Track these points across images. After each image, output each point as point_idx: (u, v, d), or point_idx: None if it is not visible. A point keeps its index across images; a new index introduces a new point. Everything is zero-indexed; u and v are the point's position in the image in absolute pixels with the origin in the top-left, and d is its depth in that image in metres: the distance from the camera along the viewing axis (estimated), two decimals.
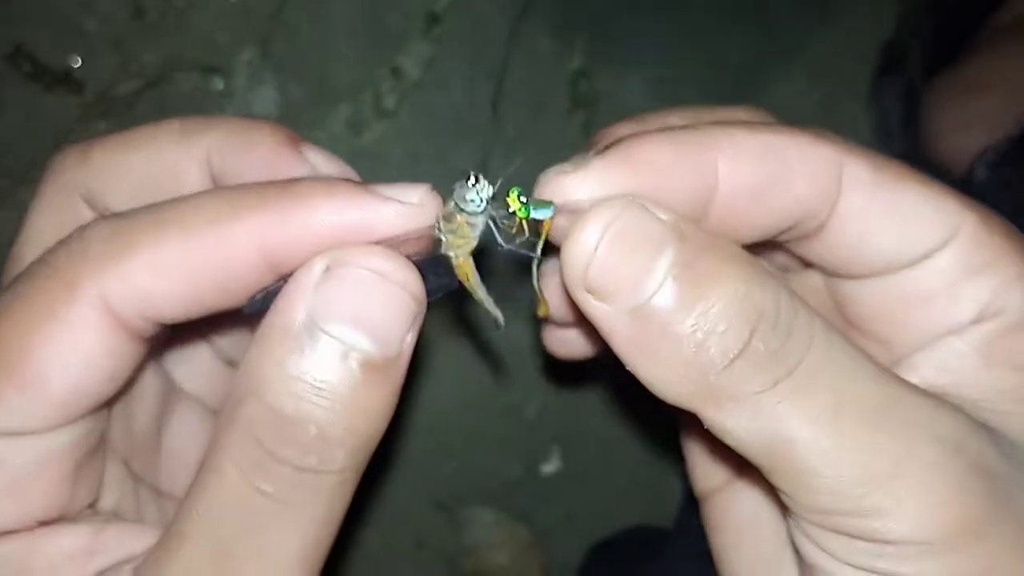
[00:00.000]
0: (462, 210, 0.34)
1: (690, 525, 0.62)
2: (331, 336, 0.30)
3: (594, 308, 0.31)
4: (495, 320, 0.38)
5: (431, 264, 0.35)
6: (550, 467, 0.83)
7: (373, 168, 0.78)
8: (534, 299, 0.39)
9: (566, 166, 0.33)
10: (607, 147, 0.34)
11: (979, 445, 0.31)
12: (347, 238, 0.32)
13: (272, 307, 0.31)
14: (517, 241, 0.35)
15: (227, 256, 0.32)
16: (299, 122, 0.77)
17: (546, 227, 0.34)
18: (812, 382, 0.30)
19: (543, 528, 0.84)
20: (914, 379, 0.34)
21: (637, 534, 0.79)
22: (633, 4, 0.83)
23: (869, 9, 0.85)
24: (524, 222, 0.34)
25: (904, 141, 0.78)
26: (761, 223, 0.35)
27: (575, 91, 0.81)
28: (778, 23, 0.85)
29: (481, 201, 0.33)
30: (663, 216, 0.31)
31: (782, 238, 0.37)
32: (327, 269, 0.31)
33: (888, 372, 0.32)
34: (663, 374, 0.31)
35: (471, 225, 0.34)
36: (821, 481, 0.30)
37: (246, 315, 0.33)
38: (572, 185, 0.33)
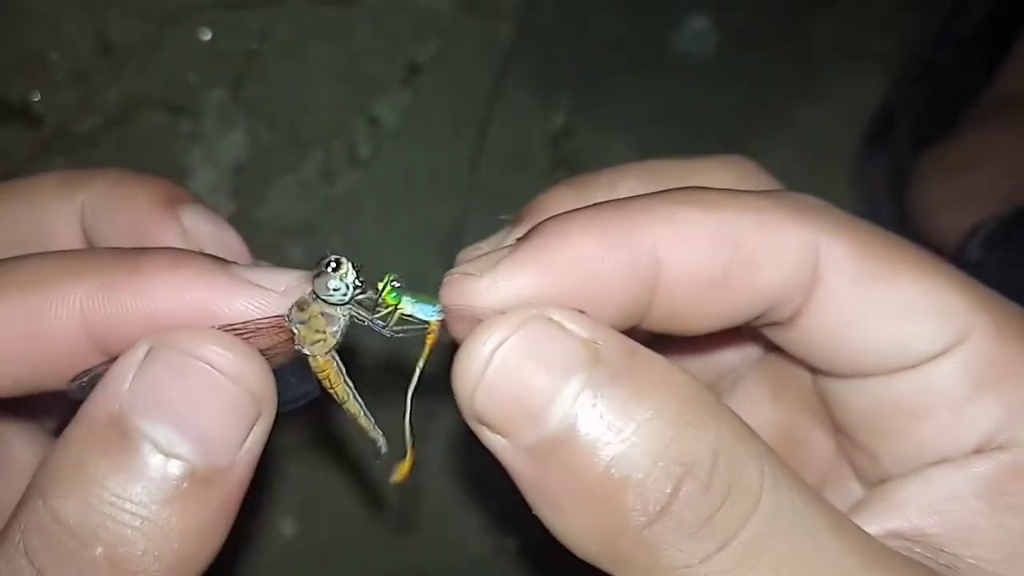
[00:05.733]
0: (319, 298, 0.28)
1: None
2: (145, 437, 0.25)
3: (490, 441, 0.26)
4: (376, 446, 0.32)
5: (295, 366, 0.29)
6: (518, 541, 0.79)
7: (345, 218, 0.75)
8: (407, 447, 0.31)
9: (471, 267, 0.28)
10: (526, 235, 0.28)
11: None
12: (187, 322, 0.27)
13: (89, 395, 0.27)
14: (395, 330, 0.29)
15: (41, 329, 0.27)
16: (269, 167, 0.74)
17: (430, 338, 0.28)
18: (753, 560, 0.24)
19: None
20: (898, 522, 0.29)
21: None
22: (619, 64, 0.82)
23: (858, 79, 0.85)
24: (393, 314, 0.29)
25: (891, 215, 0.76)
26: (716, 315, 0.30)
27: (557, 149, 0.79)
28: (766, 90, 0.84)
29: (347, 289, 0.28)
30: (575, 329, 0.25)
31: (750, 325, 0.31)
32: (148, 353, 0.26)
33: (859, 542, 0.26)
34: (572, 529, 0.25)
35: (327, 317, 0.29)
36: None
37: (72, 401, 0.28)
38: (478, 291, 0.27)
